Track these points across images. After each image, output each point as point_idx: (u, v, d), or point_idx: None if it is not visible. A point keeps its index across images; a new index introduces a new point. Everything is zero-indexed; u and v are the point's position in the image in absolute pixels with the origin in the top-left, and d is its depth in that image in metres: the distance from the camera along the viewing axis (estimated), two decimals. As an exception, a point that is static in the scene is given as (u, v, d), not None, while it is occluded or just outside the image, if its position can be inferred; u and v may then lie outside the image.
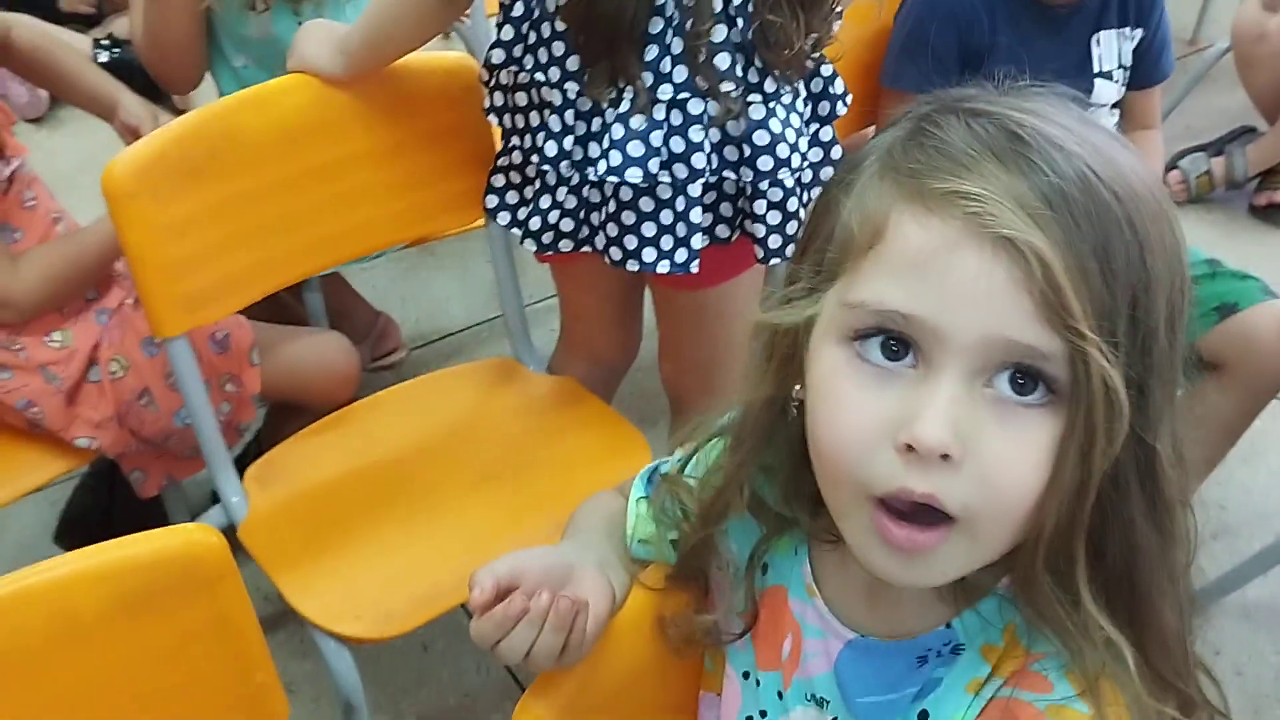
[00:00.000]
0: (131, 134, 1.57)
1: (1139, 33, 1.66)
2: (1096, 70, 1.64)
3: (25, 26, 1.61)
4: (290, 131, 1.37)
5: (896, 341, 0.61)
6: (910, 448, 0.59)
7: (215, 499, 1.43)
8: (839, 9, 1.27)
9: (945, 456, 0.59)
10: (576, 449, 1.47)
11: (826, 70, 1.32)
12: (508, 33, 1.28)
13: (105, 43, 2.75)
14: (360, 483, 1.43)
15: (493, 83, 1.35)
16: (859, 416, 0.62)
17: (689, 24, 1.18)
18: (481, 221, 1.48)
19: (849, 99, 1.34)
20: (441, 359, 2.20)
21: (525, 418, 1.52)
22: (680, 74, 1.21)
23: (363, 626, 1.26)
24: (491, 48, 1.30)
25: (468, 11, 1.44)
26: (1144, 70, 1.69)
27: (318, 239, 1.42)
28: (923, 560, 0.63)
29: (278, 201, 1.37)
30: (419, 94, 1.43)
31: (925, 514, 0.61)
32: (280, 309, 1.71)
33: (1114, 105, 1.69)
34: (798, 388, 0.68)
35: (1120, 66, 1.66)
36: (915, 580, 0.65)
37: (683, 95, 1.21)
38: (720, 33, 1.20)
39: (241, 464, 1.43)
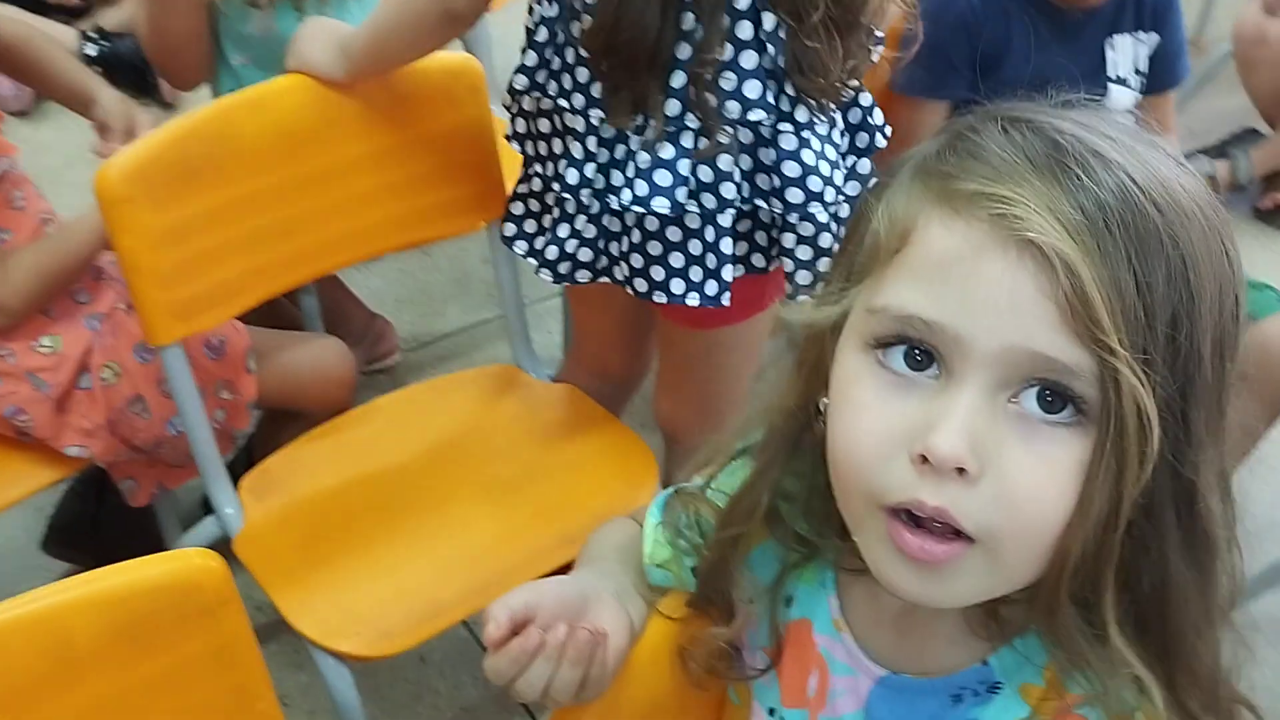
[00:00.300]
0: (106, 130, 1.52)
1: (1155, 37, 1.63)
2: (1111, 75, 1.61)
3: (7, 19, 1.57)
4: (289, 134, 1.33)
5: (920, 350, 0.59)
6: (925, 459, 0.57)
7: (208, 507, 1.40)
8: (878, 34, 1.21)
9: (961, 471, 0.56)
10: (579, 458, 1.44)
11: (866, 100, 1.26)
12: (531, 58, 1.25)
13: (93, 35, 2.70)
14: (358, 493, 1.39)
15: (515, 109, 1.31)
16: (875, 423, 0.60)
17: (707, 49, 1.13)
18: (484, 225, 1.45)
19: (889, 131, 1.29)
20: (438, 362, 2.16)
21: (527, 426, 1.49)
22: (710, 101, 1.16)
23: (361, 644, 1.23)
24: (515, 73, 1.27)
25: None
26: (1159, 75, 1.66)
27: (317, 244, 1.39)
28: (939, 576, 0.60)
29: (276, 205, 1.34)
30: (420, 95, 1.40)
31: (940, 528, 0.58)
32: (274, 311, 1.67)
33: (1132, 110, 1.66)
34: (824, 400, 0.65)
35: (1136, 72, 1.64)
36: (932, 597, 0.61)
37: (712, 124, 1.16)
38: (751, 59, 1.15)
39: (232, 471, 1.39)
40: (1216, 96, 2.80)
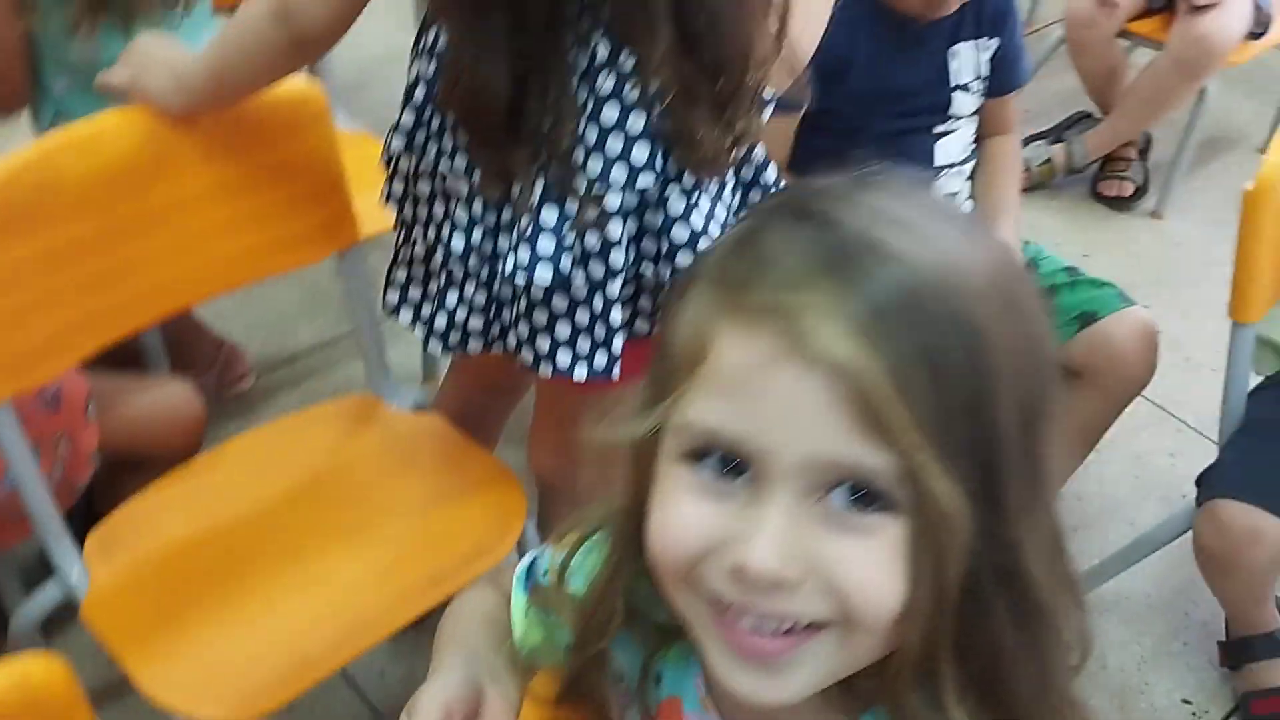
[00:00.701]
0: None
1: (995, 42, 1.67)
2: (954, 84, 1.64)
3: None
4: (121, 172, 1.26)
5: (730, 460, 0.58)
6: (740, 572, 0.57)
7: (50, 566, 1.32)
8: (767, 101, 1.16)
9: (781, 582, 0.56)
10: (446, 494, 1.40)
11: (758, 156, 1.22)
12: (408, 118, 1.18)
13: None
14: (214, 544, 1.34)
15: (391, 169, 1.25)
16: (689, 530, 0.59)
17: (561, 123, 1.09)
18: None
19: (784, 185, 1.25)
20: (293, 384, 2.09)
21: (389, 462, 1.44)
22: (595, 167, 1.11)
23: (225, 709, 1.18)
24: (391, 134, 1.21)
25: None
26: (999, 79, 1.70)
27: (159, 285, 1.32)
28: (778, 670, 0.60)
29: (111, 248, 1.27)
30: (261, 125, 1.33)
31: (775, 627, 0.58)
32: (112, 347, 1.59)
33: (974, 113, 1.70)
34: None
35: (979, 77, 1.67)
36: (771, 694, 0.61)
37: (599, 188, 1.11)
38: (639, 120, 1.10)
39: (70, 520, 1.31)
40: (1049, 77, 2.88)
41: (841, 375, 0.54)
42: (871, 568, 0.56)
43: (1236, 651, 1.71)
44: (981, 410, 0.56)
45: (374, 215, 1.40)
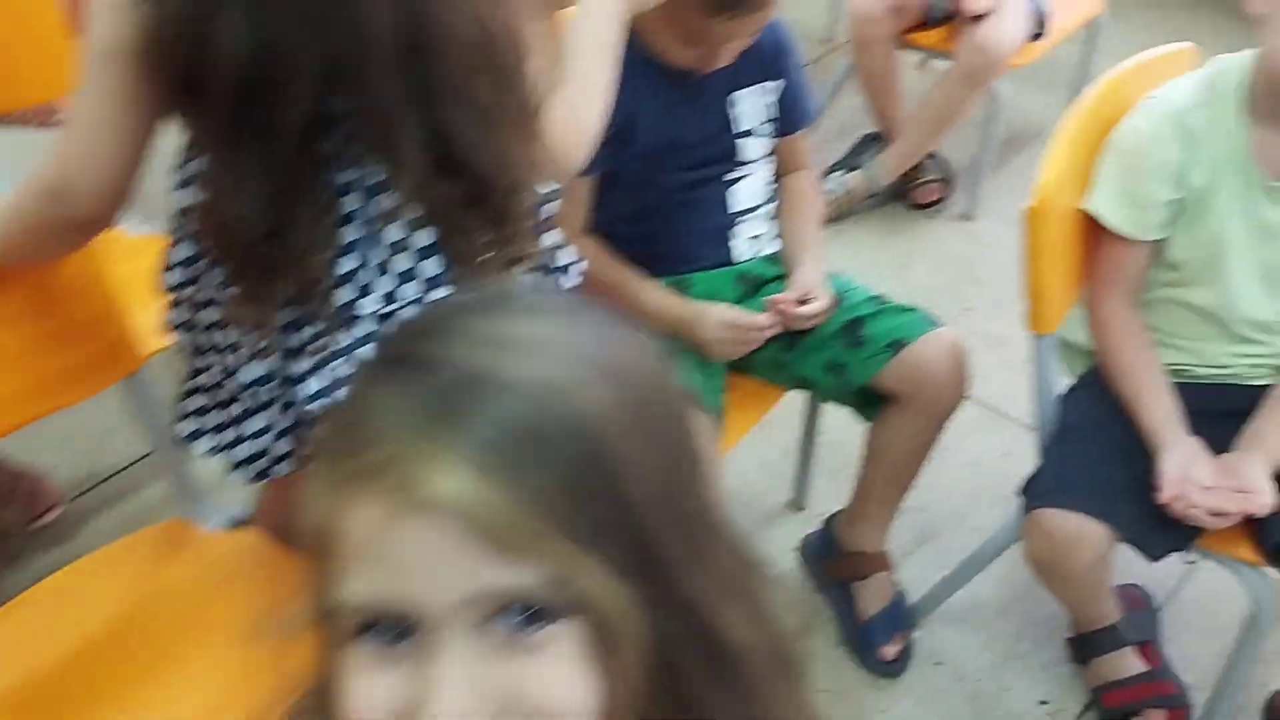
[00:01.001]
0: None
1: (780, 84, 1.68)
2: (737, 130, 1.66)
3: None
4: None
5: (394, 626, 0.57)
6: None
7: None
8: (545, 220, 1.15)
9: None
10: (269, 614, 1.34)
11: (549, 239, 1.20)
12: (184, 250, 1.14)
13: None
14: (14, 712, 1.25)
15: (173, 298, 1.20)
16: (371, 708, 0.58)
17: (316, 251, 1.06)
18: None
19: (581, 265, 1.25)
20: (108, 503, 1.99)
21: (204, 590, 1.37)
22: (386, 284, 1.08)
23: None
24: (167, 269, 1.16)
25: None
26: (786, 119, 1.72)
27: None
28: None
29: None
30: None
31: None
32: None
33: (769, 155, 1.71)
34: None
35: (767, 120, 1.69)
36: None
37: (391, 306, 1.09)
38: (427, 236, 1.08)
39: None
40: (856, 96, 2.93)
41: (461, 512, 0.54)
42: (557, 680, 0.57)
43: (1081, 647, 1.75)
44: (615, 498, 0.56)
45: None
